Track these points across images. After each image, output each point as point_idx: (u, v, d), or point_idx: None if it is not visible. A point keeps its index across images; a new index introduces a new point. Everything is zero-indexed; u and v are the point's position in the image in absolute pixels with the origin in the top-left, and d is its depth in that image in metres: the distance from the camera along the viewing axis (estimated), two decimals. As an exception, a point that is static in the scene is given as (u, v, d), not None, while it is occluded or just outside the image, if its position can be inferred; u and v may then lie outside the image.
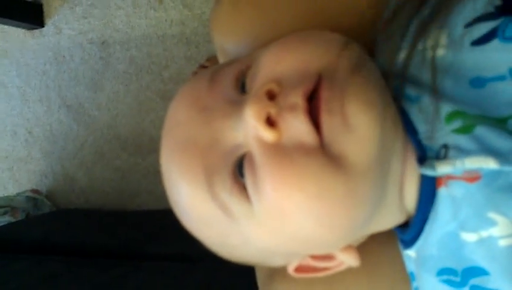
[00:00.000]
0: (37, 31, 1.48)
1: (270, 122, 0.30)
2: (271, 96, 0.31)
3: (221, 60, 0.48)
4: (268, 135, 0.30)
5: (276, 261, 0.38)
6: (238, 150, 0.32)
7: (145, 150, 1.34)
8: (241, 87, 0.34)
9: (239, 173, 0.32)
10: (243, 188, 0.32)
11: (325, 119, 0.29)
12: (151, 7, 1.32)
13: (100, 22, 1.39)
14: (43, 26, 1.46)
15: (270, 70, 0.32)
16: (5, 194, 1.52)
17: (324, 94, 0.30)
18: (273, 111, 0.30)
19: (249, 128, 0.31)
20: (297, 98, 0.30)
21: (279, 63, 0.32)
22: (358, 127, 0.29)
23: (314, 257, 0.37)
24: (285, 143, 0.30)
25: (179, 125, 0.35)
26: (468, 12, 0.34)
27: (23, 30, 1.49)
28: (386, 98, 0.33)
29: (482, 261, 0.32)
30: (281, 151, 0.30)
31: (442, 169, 0.32)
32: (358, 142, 0.30)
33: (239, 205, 0.32)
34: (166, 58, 1.31)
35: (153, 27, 1.32)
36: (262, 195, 0.31)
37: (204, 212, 0.34)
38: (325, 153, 0.29)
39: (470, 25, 0.33)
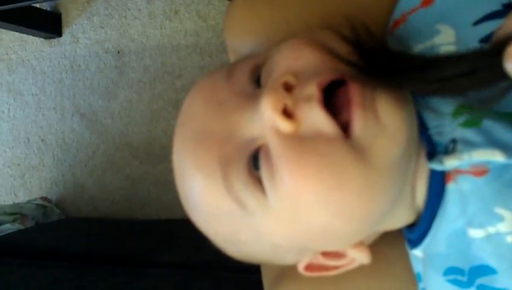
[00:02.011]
0: (54, 40, 1.51)
1: (287, 114, 0.30)
2: (288, 88, 0.30)
3: (234, 63, 0.48)
4: (285, 125, 0.30)
5: (287, 258, 0.38)
6: (253, 142, 0.32)
7: (156, 159, 1.35)
8: (257, 81, 0.34)
9: (254, 165, 0.32)
10: (257, 181, 0.32)
11: (359, 114, 0.29)
12: (166, 18, 1.34)
13: (116, 32, 1.41)
14: (60, 36, 1.49)
15: (287, 64, 0.32)
16: (16, 202, 1.53)
17: (356, 88, 0.30)
18: (289, 102, 0.30)
19: (266, 119, 0.31)
20: (313, 88, 0.30)
21: (297, 59, 0.32)
22: (389, 126, 0.30)
23: (325, 255, 0.37)
24: (304, 133, 0.30)
25: (195, 117, 0.35)
26: (476, 10, 0.34)
27: (41, 39, 1.52)
28: (410, 98, 0.33)
29: (489, 259, 0.32)
30: (299, 141, 0.30)
31: (449, 163, 0.32)
32: (386, 140, 0.30)
33: (253, 197, 0.32)
34: (180, 68, 1.32)
35: (167, 37, 1.34)
36: (278, 186, 0.31)
37: (218, 205, 0.34)
38: (348, 142, 0.29)
39: (478, 22, 0.34)
